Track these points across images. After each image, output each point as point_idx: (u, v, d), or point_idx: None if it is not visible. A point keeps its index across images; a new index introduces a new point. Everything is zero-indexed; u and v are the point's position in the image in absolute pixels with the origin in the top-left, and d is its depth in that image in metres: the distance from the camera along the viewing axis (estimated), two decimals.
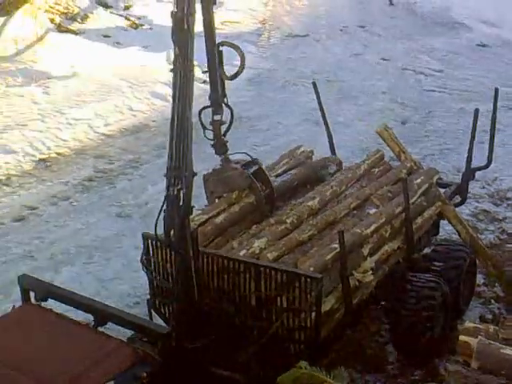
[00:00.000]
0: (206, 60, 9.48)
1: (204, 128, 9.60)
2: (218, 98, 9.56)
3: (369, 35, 25.99)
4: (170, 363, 6.70)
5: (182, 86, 7.59)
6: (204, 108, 9.64)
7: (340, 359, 9.04)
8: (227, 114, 9.72)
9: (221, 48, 9.51)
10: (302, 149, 11.76)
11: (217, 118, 9.61)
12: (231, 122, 9.76)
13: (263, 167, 10.03)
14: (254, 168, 9.81)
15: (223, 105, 9.63)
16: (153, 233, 7.97)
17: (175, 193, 7.50)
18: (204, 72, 9.51)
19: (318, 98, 12.00)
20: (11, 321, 7.00)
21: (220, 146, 9.71)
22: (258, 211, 9.85)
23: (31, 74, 19.68)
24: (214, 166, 9.94)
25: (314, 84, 12.10)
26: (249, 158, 9.94)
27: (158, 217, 7.64)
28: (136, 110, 18.65)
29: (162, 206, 7.60)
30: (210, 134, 9.65)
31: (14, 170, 15.37)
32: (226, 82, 9.71)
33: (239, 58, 9.68)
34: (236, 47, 9.73)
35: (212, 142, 9.67)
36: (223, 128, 9.69)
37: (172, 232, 7.62)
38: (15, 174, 15.25)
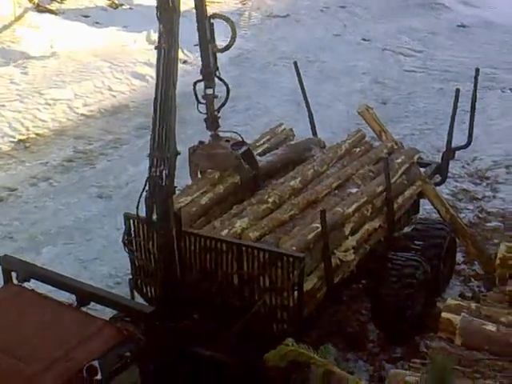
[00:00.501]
0: (197, 33, 9.36)
1: (198, 102, 9.54)
2: (210, 72, 9.50)
3: (349, 15, 25.99)
4: (153, 342, 6.69)
5: (166, 65, 7.52)
6: (197, 81, 9.59)
7: (322, 337, 9.09)
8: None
9: (212, 21, 9.43)
10: (283, 127, 11.77)
11: (209, 91, 9.56)
12: (227, 98, 9.71)
13: (251, 149, 10.02)
14: (243, 149, 9.78)
15: (216, 78, 9.56)
16: (134, 213, 7.96)
17: (158, 173, 7.49)
18: (196, 45, 9.40)
19: (299, 77, 11.99)
20: None
21: (212, 122, 9.67)
22: (241, 192, 9.85)
23: (9, 54, 19.56)
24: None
25: (295, 64, 12.08)
26: (238, 138, 9.91)
27: (140, 197, 7.63)
28: (116, 90, 18.57)
29: (144, 186, 7.59)
30: (203, 109, 9.59)
31: None
32: None
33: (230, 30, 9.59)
34: (227, 19, 9.66)
35: (205, 117, 9.61)
36: (217, 103, 9.63)
37: (154, 213, 7.62)
38: None
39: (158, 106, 7.55)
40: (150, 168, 7.56)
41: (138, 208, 7.80)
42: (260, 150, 10.92)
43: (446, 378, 4.96)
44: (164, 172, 7.49)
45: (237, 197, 9.79)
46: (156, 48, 7.63)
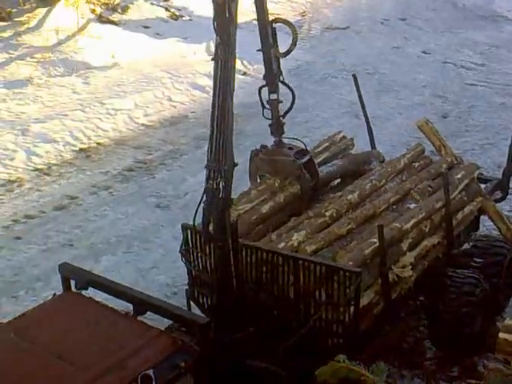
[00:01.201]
0: (260, 39, 9.37)
1: (263, 107, 9.55)
2: (273, 77, 9.49)
3: (409, 28, 25.78)
4: (208, 354, 6.71)
5: (223, 76, 7.54)
6: (262, 87, 9.60)
7: (378, 354, 9.00)
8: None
9: (274, 25, 9.43)
10: (342, 134, 11.70)
11: (273, 96, 9.56)
12: (293, 103, 9.69)
13: (313, 159, 9.98)
14: (306, 158, 9.75)
15: (280, 83, 9.55)
16: (192, 224, 8.00)
17: (214, 186, 7.51)
18: (258, 50, 9.42)
19: (358, 90, 11.94)
20: (52, 308, 7.08)
21: (277, 128, 9.66)
22: (300, 202, 9.81)
23: (72, 64, 19.87)
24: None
25: (355, 76, 12.02)
26: (302, 145, 9.88)
27: (198, 209, 7.66)
28: (176, 101, 18.72)
29: (202, 198, 7.62)
30: (269, 114, 9.59)
31: (54, 159, 15.53)
32: None
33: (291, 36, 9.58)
34: (289, 23, 9.64)
35: (270, 122, 9.61)
36: (282, 110, 9.61)
37: (211, 224, 7.64)
38: (55, 163, 15.41)
39: (214, 118, 7.57)
40: (207, 180, 7.58)
41: (194, 219, 7.83)
42: (320, 159, 10.87)
43: None
44: (221, 184, 7.50)
45: (295, 206, 9.77)
46: (213, 59, 7.65)
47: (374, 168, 10.94)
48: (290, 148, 9.77)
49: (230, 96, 7.57)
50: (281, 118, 9.64)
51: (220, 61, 7.55)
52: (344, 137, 11.74)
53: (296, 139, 9.92)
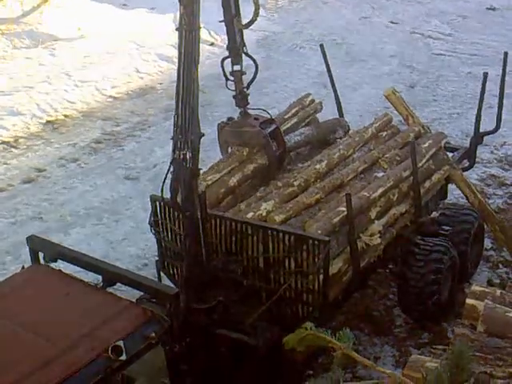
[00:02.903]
0: (222, 9, 9.30)
1: (226, 79, 9.51)
2: (236, 48, 9.45)
3: None
4: (177, 324, 6.73)
5: (188, 46, 7.47)
6: (224, 58, 9.55)
7: (348, 322, 9.09)
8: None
9: None
10: (311, 97, 11.69)
11: (237, 68, 9.52)
12: (255, 74, 9.65)
13: (279, 128, 9.97)
14: (272, 127, 9.75)
15: (243, 54, 9.51)
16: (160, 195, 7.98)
17: (181, 157, 7.48)
18: (221, 21, 9.35)
19: (326, 60, 11.92)
20: (21, 281, 7.04)
21: (241, 98, 9.64)
22: (268, 171, 9.83)
23: (38, 36, 19.63)
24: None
25: (322, 46, 12.00)
26: (267, 115, 9.87)
27: (165, 180, 7.64)
28: (143, 72, 18.59)
29: (169, 169, 7.60)
30: (232, 86, 9.54)
31: (21, 132, 15.39)
32: None
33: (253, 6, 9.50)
34: None
35: (233, 94, 9.58)
36: (246, 80, 9.58)
37: (179, 195, 7.63)
38: (23, 136, 15.28)
39: (180, 89, 7.51)
40: (174, 150, 7.55)
41: (162, 190, 7.81)
42: (288, 124, 10.85)
43: (463, 364, 4.93)
44: (187, 154, 7.48)
45: (263, 176, 9.78)
46: (177, 29, 7.58)
47: (340, 137, 10.96)
48: (255, 118, 9.75)
49: (194, 66, 7.51)
50: (245, 90, 9.61)
51: (184, 31, 7.49)
52: (313, 100, 11.71)
53: (261, 109, 9.90)
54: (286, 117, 11.07)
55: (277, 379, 7.92)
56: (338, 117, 11.84)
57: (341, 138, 11.00)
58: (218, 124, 9.82)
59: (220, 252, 8.60)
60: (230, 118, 9.86)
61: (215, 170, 9.53)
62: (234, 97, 9.62)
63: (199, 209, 7.73)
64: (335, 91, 12.05)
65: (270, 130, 9.68)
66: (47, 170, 13.99)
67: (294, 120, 11.13)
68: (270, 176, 9.79)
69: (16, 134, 15.27)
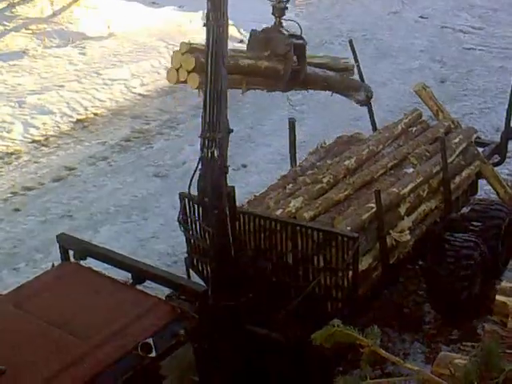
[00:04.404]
0: None
1: None
2: None
3: None
4: (206, 321, 6.74)
5: (215, 43, 7.43)
6: None
7: (378, 318, 9.05)
8: None
9: None
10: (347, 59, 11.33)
11: None
12: None
13: (306, 47, 9.70)
14: (299, 41, 9.53)
15: None
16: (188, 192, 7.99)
17: (209, 155, 7.47)
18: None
19: (355, 56, 11.85)
20: (51, 278, 7.08)
21: (279, 8, 9.44)
22: (279, 80, 9.58)
23: (67, 34, 19.78)
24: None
25: (351, 42, 11.94)
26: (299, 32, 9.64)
27: (192, 177, 7.65)
28: None
29: (197, 166, 7.60)
30: None
31: (51, 130, 15.53)
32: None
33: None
34: None
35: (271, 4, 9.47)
36: None
37: (207, 192, 7.63)
38: (53, 134, 15.41)
39: (208, 86, 7.49)
40: (202, 148, 7.54)
41: (190, 187, 7.82)
42: (315, 61, 10.44)
43: (493, 361, 4.88)
44: (215, 152, 7.47)
45: (272, 83, 9.58)
46: (204, 25, 7.56)
47: (359, 101, 10.79)
48: (288, 32, 9.54)
49: (222, 63, 7.50)
50: (283, 1, 9.45)
51: (212, 27, 7.47)
52: (348, 61, 11.32)
53: (295, 22, 9.73)
54: (316, 56, 10.77)
55: (306, 376, 7.90)
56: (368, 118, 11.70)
57: (359, 103, 10.86)
58: (251, 30, 9.71)
59: (249, 249, 8.60)
60: (265, 28, 9.73)
61: (235, 51, 9.17)
62: (272, 6, 9.50)
63: (228, 206, 7.73)
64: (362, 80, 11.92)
65: (296, 41, 9.48)
66: (77, 168, 14.09)
67: (324, 60, 10.75)
68: (278, 86, 9.60)
69: (46, 132, 15.40)
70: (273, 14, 9.49)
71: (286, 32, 9.47)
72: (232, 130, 7.64)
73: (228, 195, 7.76)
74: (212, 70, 7.43)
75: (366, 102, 11.37)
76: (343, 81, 10.84)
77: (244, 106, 15.07)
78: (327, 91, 10.87)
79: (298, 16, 22.14)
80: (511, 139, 11.81)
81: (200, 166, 7.60)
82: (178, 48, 8.50)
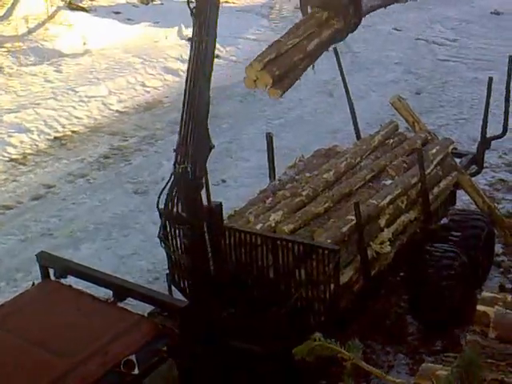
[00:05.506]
0: None
1: None
2: None
3: None
4: (188, 337, 6.73)
5: (196, 57, 7.41)
6: None
7: (361, 330, 9.06)
8: None
9: None
10: None
11: None
12: None
13: None
14: None
15: None
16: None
17: (180, 170, 7.44)
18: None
19: (340, 64, 11.74)
20: (32, 297, 7.05)
21: None
22: (339, 36, 9.61)
23: (43, 52, 19.73)
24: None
25: (336, 50, 11.74)
26: None
27: (161, 193, 7.62)
28: (149, 86, 18.66)
29: (168, 181, 7.57)
30: None
31: (29, 148, 15.46)
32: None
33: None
34: None
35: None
36: None
37: (177, 207, 7.60)
38: (31, 152, 15.34)
39: (185, 100, 7.46)
40: (174, 163, 7.51)
41: (158, 202, 7.77)
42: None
43: (474, 371, 4.91)
44: (188, 167, 7.43)
45: (333, 41, 9.61)
46: (189, 39, 7.54)
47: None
48: None
49: (202, 78, 7.47)
50: None
51: (194, 42, 7.47)
52: None
53: None
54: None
55: None
56: (346, 126, 11.75)
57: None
58: None
59: (231, 264, 8.59)
60: None
61: (295, 34, 9.13)
62: None
63: (214, 221, 7.70)
64: (349, 97, 11.95)
65: None
66: (56, 186, 14.04)
67: None
68: (341, 40, 9.64)
69: (24, 150, 15.33)
70: None
71: None
72: (214, 146, 7.63)
73: (211, 211, 7.75)
74: (191, 86, 7.43)
75: None
76: None
77: (221, 121, 15.11)
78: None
79: (274, 30, 22.30)
80: (488, 149, 11.90)
81: (171, 181, 7.55)
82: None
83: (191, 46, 7.48)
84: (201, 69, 7.44)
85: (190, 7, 7.44)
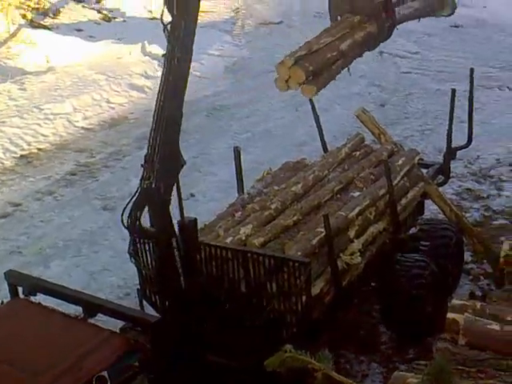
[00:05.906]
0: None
1: None
2: None
3: None
4: (159, 351, 6.70)
5: (167, 73, 7.37)
6: None
7: (334, 341, 9.08)
8: None
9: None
10: None
11: None
12: None
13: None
14: None
15: None
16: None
17: (145, 186, 7.40)
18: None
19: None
20: (1, 315, 6.99)
21: None
22: (375, 41, 9.78)
23: (6, 70, 19.56)
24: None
25: None
26: None
27: (125, 208, 7.57)
28: (114, 102, 18.56)
29: (132, 197, 7.54)
30: None
31: None
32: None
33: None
34: None
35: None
36: None
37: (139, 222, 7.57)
38: None
39: (155, 115, 7.43)
40: (141, 179, 7.48)
41: (122, 217, 7.73)
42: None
43: (444, 378, 4.96)
44: (153, 183, 7.38)
45: (371, 44, 9.79)
46: (163, 56, 7.53)
47: (447, 14, 11.04)
48: None
49: (174, 97, 7.41)
50: None
51: (166, 59, 7.44)
52: None
53: None
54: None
55: None
56: (311, 139, 11.82)
57: (448, 15, 11.13)
58: None
59: (202, 278, 8.56)
60: None
61: (327, 35, 9.34)
62: None
63: (189, 236, 7.68)
64: (314, 112, 12.03)
65: None
66: (23, 204, 13.91)
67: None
68: (376, 45, 9.76)
69: None
70: None
71: None
72: (185, 163, 7.61)
73: (183, 226, 7.72)
74: (160, 102, 7.40)
75: (452, 13, 11.41)
76: (428, 4, 11.01)
77: (189, 136, 15.08)
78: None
79: (238, 46, 22.38)
80: (453, 159, 12.02)
81: (136, 197, 7.51)
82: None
83: (164, 62, 7.45)
84: (172, 86, 7.39)
85: (163, 23, 7.39)
